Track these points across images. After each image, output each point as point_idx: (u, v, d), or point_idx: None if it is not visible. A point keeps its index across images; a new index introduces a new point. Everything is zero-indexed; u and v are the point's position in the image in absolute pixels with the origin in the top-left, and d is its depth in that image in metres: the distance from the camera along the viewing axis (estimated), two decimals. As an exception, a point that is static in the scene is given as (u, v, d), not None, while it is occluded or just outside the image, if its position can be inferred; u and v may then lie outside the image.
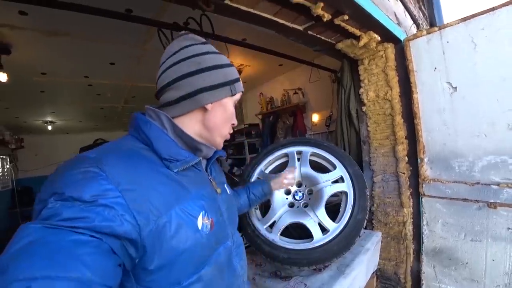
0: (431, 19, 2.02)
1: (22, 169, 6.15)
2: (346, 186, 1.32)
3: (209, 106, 0.65)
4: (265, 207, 1.48)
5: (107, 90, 3.97)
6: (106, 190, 0.44)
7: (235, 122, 0.74)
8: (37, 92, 3.65)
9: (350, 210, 1.26)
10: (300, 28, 1.52)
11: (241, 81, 0.72)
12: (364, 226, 1.27)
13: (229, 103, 0.69)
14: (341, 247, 1.18)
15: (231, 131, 0.74)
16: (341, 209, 1.29)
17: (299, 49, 2.23)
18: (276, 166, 1.54)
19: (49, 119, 5.25)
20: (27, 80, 3.19)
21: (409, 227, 1.93)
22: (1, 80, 2.62)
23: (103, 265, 0.41)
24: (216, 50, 0.69)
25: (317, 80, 3.56)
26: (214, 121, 0.67)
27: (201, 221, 0.57)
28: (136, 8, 2.05)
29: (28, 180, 5.93)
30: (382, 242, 2.07)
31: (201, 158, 0.66)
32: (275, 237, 1.27)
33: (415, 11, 2.58)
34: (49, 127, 5.54)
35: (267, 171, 1.51)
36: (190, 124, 0.65)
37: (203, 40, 0.69)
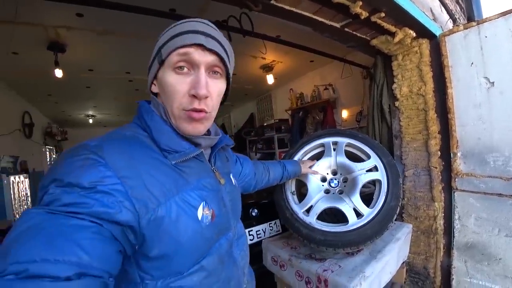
0: (469, 14, 1.99)
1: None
2: (380, 175, 1.39)
3: (154, 89, 0.61)
4: (299, 194, 1.58)
5: (146, 86, 4.21)
6: (105, 176, 0.44)
7: (187, 88, 0.56)
8: (83, 88, 4.00)
9: (384, 197, 1.33)
10: (338, 25, 1.60)
11: (187, 33, 0.55)
12: (397, 213, 1.33)
13: (163, 74, 0.57)
14: (374, 231, 1.26)
15: (192, 106, 0.56)
16: (375, 196, 1.37)
17: (331, 45, 2.28)
18: (313, 155, 1.63)
19: (90, 113, 5.71)
20: (75, 76, 3.51)
21: (440, 222, 1.94)
22: (57, 76, 2.92)
23: (102, 251, 0.40)
24: (177, 23, 0.60)
25: (349, 76, 3.58)
26: (163, 102, 0.59)
27: (201, 212, 0.56)
28: (179, 7, 2.22)
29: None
30: (412, 235, 2.10)
31: (202, 150, 0.62)
32: (312, 220, 1.37)
33: (452, 5, 2.54)
34: (90, 121, 6.00)
35: (304, 160, 1.61)
36: (166, 112, 0.60)
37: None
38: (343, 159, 1.47)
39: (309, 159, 1.57)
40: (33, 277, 0.33)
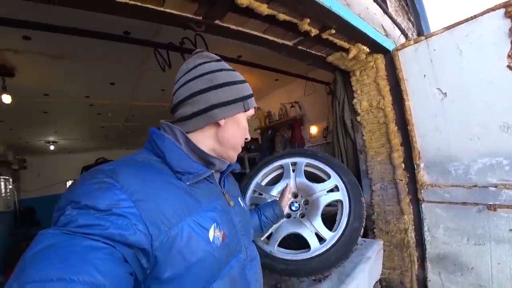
0: (419, 29, 2.09)
1: (25, 189, 6.19)
2: (341, 195, 1.33)
3: (222, 122, 0.67)
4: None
5: (108, 110, 4.06)
6: (120, 200, 0.45)
7: (248, 136, 0.76)
8: (40, 113, 3.74)
9: (346, 219, 1.26)
10: (290, 43, 1.58)
11: (253, 97, 0.75)
12: (361, 234, 1.27)
13: (242, 118, 0.71)
14: (338, 256, 1.18)
15: (243, 145, 0.76)
16: (337, 218, 1.30)
17: (293, 63, 2.28)
18: (272, 178, 1.55)
19: (51, 139, 5.33)
20: (30, 101, 3.28)
21: (411, 234, 1.91)
22: (5, 102, 2.69)
23: (115, 272, 0.41)
24: (230, 67, 0.72)
25: (312, 93, 3.62)
26: (227, 136, 0.68)
27: (213, 233, 0.57)
28: (133, 30, 2.13)
29: (31, 200, 5.94)
30: (385, 251, 2.04)
31: (213, 171, 0.65)
32: (273, 248, 1.27)
33: (404, 22, 2.67)
34: (52, 147, 5.60)
35: (263, 183, 1.53)
36: (204, 139, 0.67)
37: (217, 57, 0.72)
38: (303, 180, 1.40)
39: (268, 182, 1.49)
40: None
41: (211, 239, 0.56)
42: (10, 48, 2.24)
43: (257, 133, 4.96)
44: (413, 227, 1.92)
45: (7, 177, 5.09)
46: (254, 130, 4.94)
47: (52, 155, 6.66)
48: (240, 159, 5.01)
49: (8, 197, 5.08)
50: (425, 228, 1.83)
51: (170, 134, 0.64)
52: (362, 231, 1.26)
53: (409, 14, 2.77)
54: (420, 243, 1.89)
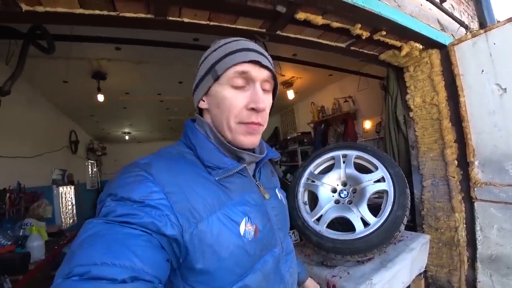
0: (480, 20, 1.98)
1: (105, 172, 7.39)
2: (387, 185, 1.44)
3: (203, 105, 0.63)
4: (315, 203, 1.67)
5: (175, 105, 4.67)
6: (152, 192, 0.48)
7: (251, 103, 0.57)
8: (121, 108, 4.48)
9: (390, 207, 1.38)
10: (343, 45, 1.71)
11: (242, 51, 0.58)
12: (404, 222, 1.37)
13: (219, 89, 0.59)
14: (380, 240, 1.31)
15: (251, 119, 0.58)
16: (382, 206, 1.42)
17: (346, 59, 2.37)
18: (324, 168, 1.72)
19: (127, 130, 6.30)
20: (114, 99, 3.96)
21: (462, 233, 1.89)
22: (99, 100, 3.34)
23: (153, 258, 0.43)
24: (227, 40, 0.62)
25: (366, 88, 3.61)
26: (214, 117, 0.62)
27: (244, 227, 0.56)
28: (201, 36, 2.47)
29: (108, 182, 7.05)
30: (433, 247, 2.06)
31: (244, 165, 0.61)
32: (322, 228, 1.45)
33: (469, 10, 2.52)
34: (126, 137, 6.61)
35: (316, 172, 1.71)
36: (211, 129, 0.63)
37: (217, 42, 0.64)
38: (352, 171, 1.55)
39: (320, 171, 1.67)
40: (94, 278, 0.37)
41: (242, 233, 0.55)
42: (105, 57, 2.82)
43: (310, 127, 5.06)
44: (464, 225, 1.90)
45: (93, 161, 6.18)
46: (308, 124, 5.07)
47: (126, 144, 7.85)
48: (293, 152, 5.20)
49: (94, 178, 6.17)
50: (477, 228, 1.80)
51: (202, 127, 0.63)
52: (405, 219, 1.37)
53: (472, 1, 2.60)
54: (471, 242, 1.87)
